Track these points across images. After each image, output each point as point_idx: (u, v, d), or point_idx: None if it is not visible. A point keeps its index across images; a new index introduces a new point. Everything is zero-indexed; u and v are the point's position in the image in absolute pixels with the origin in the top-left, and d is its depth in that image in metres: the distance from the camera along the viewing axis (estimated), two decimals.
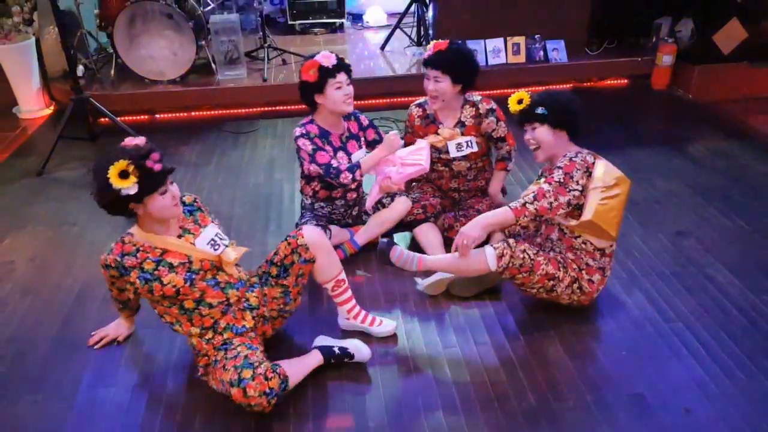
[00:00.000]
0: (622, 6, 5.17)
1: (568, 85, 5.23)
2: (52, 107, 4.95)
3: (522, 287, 2.50)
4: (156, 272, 2.09)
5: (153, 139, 2.08)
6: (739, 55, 4.90)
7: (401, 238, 3.15)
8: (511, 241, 2.42)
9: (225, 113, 4.81)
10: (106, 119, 4.31)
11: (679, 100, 4.97)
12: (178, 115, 4.78)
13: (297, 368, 2.21)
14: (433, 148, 2.99)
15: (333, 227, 2.94)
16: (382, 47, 5.47)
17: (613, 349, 2.42)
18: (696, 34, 5.06)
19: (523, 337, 2.48)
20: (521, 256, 2.38)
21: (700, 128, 4.44)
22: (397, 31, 5.45)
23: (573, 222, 2.40)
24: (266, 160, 4.04)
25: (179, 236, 2.16)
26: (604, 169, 2.40)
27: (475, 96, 3.04)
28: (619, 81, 5.30)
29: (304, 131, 2.82)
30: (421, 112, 3.07)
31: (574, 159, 2.40)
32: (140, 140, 2.03)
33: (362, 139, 2.99)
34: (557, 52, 5.11)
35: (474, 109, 3.00)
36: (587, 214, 2.36)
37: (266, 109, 4.82)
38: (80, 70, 4.87)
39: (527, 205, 2.38)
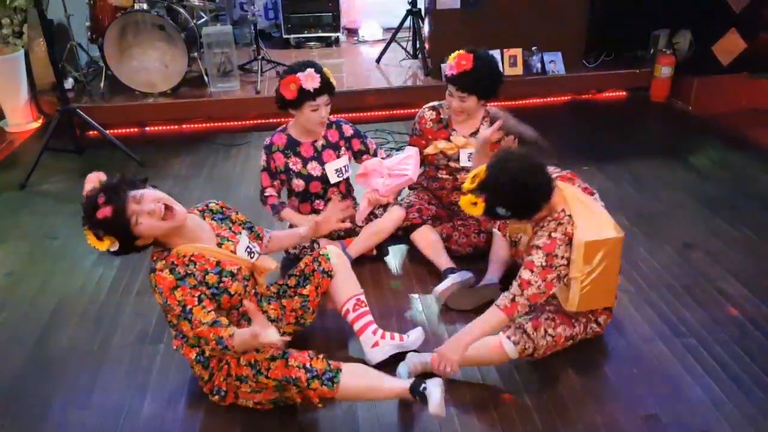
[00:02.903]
0: (619, 19, 5.10)
1: (566, 97, 5.14)
2: (40, 121, 4.83)
3: None
4: (222, 284, 1.95)
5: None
6: (738, 66, 4.83)
7: (397, 251, 3.02)
8: (529, 327, 2.13)
9: (217, 126, 4.69)
10: (95, 132, 4.19)
11: (680, 112, 4.88)
12: (169, 127, 4.66)
13: (367, 380, 2.03)
14: (443, 154, 2.88)
15: (322, 240, 2.80)
16: (378, 60, 5.38)
17: (622, 366, 2.28)
18: (694, 46, 4.99)
19: None
20: (542, 343, 2.14)
21: (703, 139, 4.34)
22: (393, 44, 5.37)
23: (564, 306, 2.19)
24: (258, 172, 3.90)
25: (218, 245, 2.02)
26: (583, 249, 2.05)
27: (497, 111, 2.88)
28: (617, 93, 5.21)
29: (268, 143, 2.78)
30: (435, 115, 2.92)
31: (554, 235, 2.07)
32: (91, 182, 1.83)
33: (342, 148, 2.85)
34: (554, 64, 5.03)
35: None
36: (569, 305, 2.13)
37: (259, 121, 4.70)
38: (70, 82, 4.78)
39: (517, 299, 2.06)
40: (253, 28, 4.95)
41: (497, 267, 2.68)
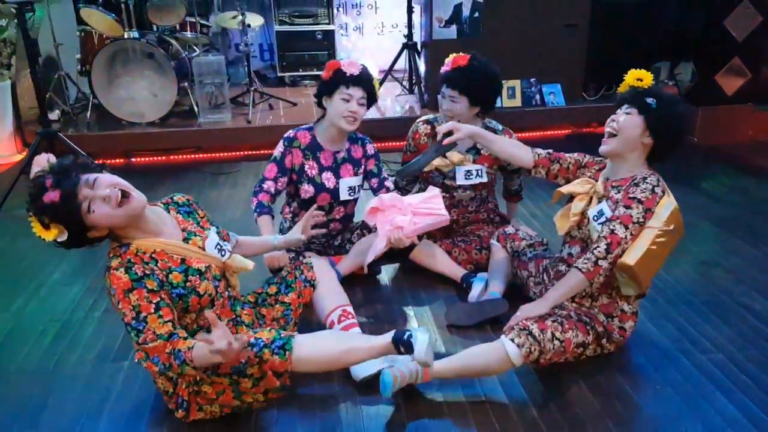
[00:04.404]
0: (618, 52, 5.05)
1: (567, 131, 5.03)
2: (24, 153, 4.68)
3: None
4: (188, 284, 1.72)
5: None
6: (743, 97, 4.73)
7: (390, 269, 2.79)
8: (535, 329, 1.90)
9: (206, 157, 4.54)
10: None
11: (685, 143, 4.73)
12: (155, 158, 4.50)
13: (332, 342, 1.81)
14: (438, 172, 2.69)
15: (310, 254, 2.58)
16: None
17: (644, 383, 2.02)
18: (697, 76, 4.91)
19: (535, 372, 2.07)
20: (549, 346, 1.90)
21: (711, 167, 4.19)
22: (391, 81, 5.31)
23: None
24: (245, 197, 3.72)
25: (185, 240, 1.79)
26: (670, 208, 1.95)
27: (497, 124, 2.74)
28: None
29: (291, 136, 2.57)
30: (430, 129, 2.74)
31: (656, 190, 1.95)
32: (39, 164, 1.63)
33: (363, 166, 2.67)
34: (554, 95, 4.93)
35: None
36: (630, 258, 1.89)
37: (250, 153, 4.56)
38: (56, 114, 4.67)
39: (600, 262, 1.90)
40: (245, 60, 4.88)
41: (499, 281, 2.45)
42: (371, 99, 2.50)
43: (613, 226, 1.92)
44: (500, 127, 2.75)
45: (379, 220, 2.39)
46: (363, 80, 2.43)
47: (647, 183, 1.96)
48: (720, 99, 4.72)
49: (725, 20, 4.53)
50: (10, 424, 1.87)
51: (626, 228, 1.90)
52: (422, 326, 1.86)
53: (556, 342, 1.91)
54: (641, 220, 1.91)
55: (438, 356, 2.13)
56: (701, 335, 2.26)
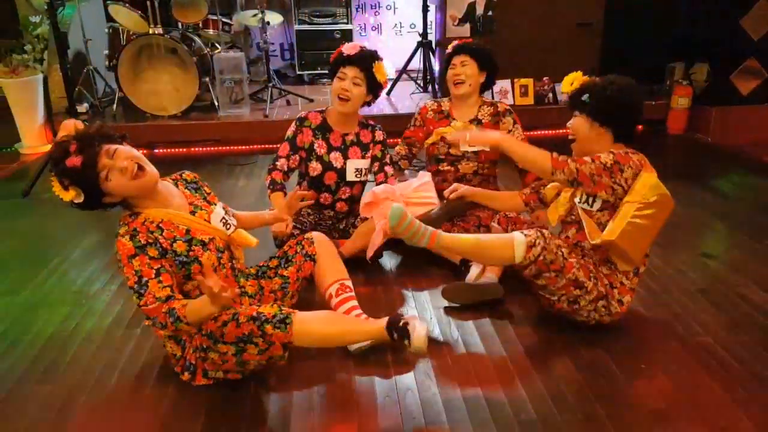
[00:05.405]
0: (632, 51, 5.07)
1: None
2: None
3: (542, 291, 2.14)
4: (191, 253, 1.84)
5: None
6: (759, 97, 4.72)
7: (392, 252, 2.88)
8: (545, 231, 2.07)
9: (225, 149, 4.70)
10: None
11: (699, 143, 4.76)
12: (177, 150, 4.68)
13: (329, 322, 1.94)
14: (443, 140, 2.86)
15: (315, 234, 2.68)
16: (388, 92, 5.41)
17: (630, 362, 2.07)
18: (711, 77, 4.91)
19: (522, 347, 2.14)
20: (555, 251, 2.03)
21: (722, 166, 4.21)
22: (407, 79, 5.41)
23: (596, 239, 2.07)
24: (260, 187, 3.87)
25: (191, 212, 1.93)
26: (650, 181, 2.05)
27: (495, 101, 2.99)
28: None
29: (302, 116, 2.74)
30: (436, 106, 2.98)
31: (630, 155, 2.07)
32: (66, 128, 1.81)
33: (370, 151, 2.80)
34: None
35: (492, 107, 2.92)
36: (611, 233, 2.01)
37: (267, 146, 4.69)
38: (85, 106, 4.88)
39: (570, 163, 2.05)
40: (264, 56, 5.03)
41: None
42: (371, 82, 2.60)
43: (586, 158, 2.08)
44: (496, 99, 2.90)
45: (375, 214, 2.53)
46: (357, 60, 2.56)
47: (622, 149, 2.12)
48: (735, 99, 4.72)
49: (741, 20, 4.54)
50: (28, 379, 2.01)
51: (593, 162, 2.05)
52: (420, 316, 1.96)
53: (560, 254, 2.04)
54: (608, 164, 2.03)
55: (433, 340, 2.21)
56: (693, 320, 2.30)
